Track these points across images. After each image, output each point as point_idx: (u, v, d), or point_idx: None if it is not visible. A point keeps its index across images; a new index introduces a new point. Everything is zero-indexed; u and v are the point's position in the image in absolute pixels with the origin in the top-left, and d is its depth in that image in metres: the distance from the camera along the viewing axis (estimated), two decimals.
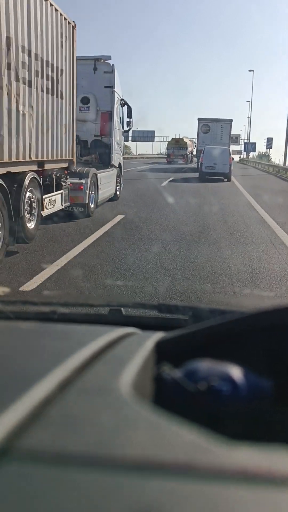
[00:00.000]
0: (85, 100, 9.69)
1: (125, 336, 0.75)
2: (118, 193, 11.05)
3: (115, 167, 10.58)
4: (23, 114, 5.32)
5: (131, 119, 11.76)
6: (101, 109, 9.87)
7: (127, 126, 11.92)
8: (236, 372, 0.65)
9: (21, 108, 5.23)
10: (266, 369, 0.70)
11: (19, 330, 0.83)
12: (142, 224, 7.75)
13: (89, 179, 8.12)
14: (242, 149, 68.97)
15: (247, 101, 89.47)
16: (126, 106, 11.31)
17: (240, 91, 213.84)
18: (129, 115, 11.58)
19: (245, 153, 65.76)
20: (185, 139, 40.97)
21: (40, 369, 0.57)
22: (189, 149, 39.98)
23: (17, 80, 5.13)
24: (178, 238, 6.63)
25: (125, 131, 11.87)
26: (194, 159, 36.50)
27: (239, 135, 68.30)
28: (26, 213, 5.56)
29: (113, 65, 9.82)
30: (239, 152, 68.65)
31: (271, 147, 55.92)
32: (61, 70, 6.68)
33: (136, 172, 24.67)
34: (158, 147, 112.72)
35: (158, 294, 4.04)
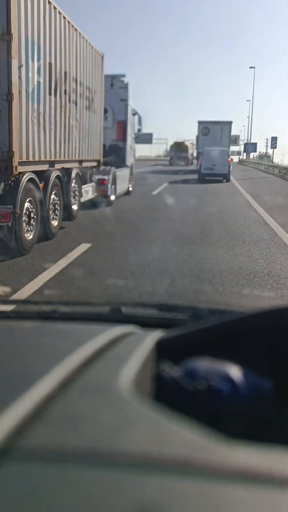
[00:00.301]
0: (104, 111, 11.73)
1: (125, 335, 0.75)
2: (130, 188, 13.09)
3: (128, 167, 12.62)
4: (72, 126, 7.32)
5: (141, 126, 13.84)
6: (117, 119, 11.82)
7: (138, 132, 13.96)
8: (235, 372, 0.65)
9: (71, 121, 7.24)
10: (265, 369, 0.70)
11: (20, 329, 0.84)
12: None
13: (110, 176, 10.09)
14: (242, 149, 65.67)
15: (247, 100, 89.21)
16: (137, 115, 13.36)
17: (240, 91, 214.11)
18: (139, 123, 13.69)
19: (245, 153, 62.97)
20: (186, 143, 43.94)
21: (41, 367, 0.57)
22: (190, 151, 42.70)
23: (69, 101, 7.13)
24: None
25: (136, 137, 13.89)
26: (194, 161, 38.30)
27: (238, 135, 66.81)
28: (72, 198, 7.56)
29: (127, 82, 11.84)
30: (238, 153, 66.64)
31: (275, 147, 51.54)
32: (94, 91, 8.72)
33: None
34: (156, 149, 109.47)
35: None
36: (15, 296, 3.81)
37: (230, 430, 0.55)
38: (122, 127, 11.97)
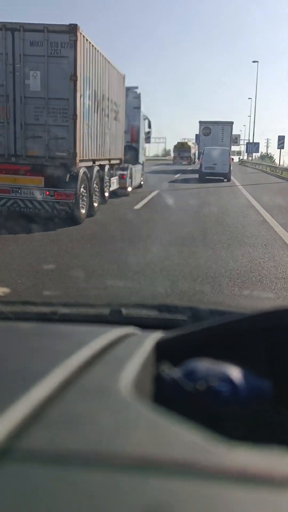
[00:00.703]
0: None
1: (125, 336, 0.75)
2: (142, 182, 15.64)
3: (141, 164, 15.14)
4: (105, 133, 9.81)
5: (150, 129, 16.41)
6: (131, 124, 14.16)
7: (148, 134, 16.46)
8: (235, 373, 0.65)
9: (105, 130, 9.73)
10: (265, 370, 0.70)
11: (19, 330, 0.84)
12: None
13: (128, 171, 12.58)
14: (244, 149, 63.51)
15: (249, 98, 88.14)
16: (147, 120, 15.90)
17: (240, 89, 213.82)
18: (149, 126, 16.22)
19: (246, 154, 61.16)
20: (189, 143, 47.40)
21: (41, 369, 0.57)
22: (193, 151, 45.22)
23: (105, 115, 9.63)
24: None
25: (146, 138, 16.43)
26: (197, 160, 40.73)
27: (239, 135, 65.29)
28: (105, 187, 10.10)
29: (139, 93, 14.29)
30: (239, 153, 65.34)
31: (282, 147, 47.25)
32: (119, 104, 11.21)
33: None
34: (155, 149, 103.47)
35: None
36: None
37: (230, 431, 0.55)
38: (135, 131, 14.32)
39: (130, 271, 4.84)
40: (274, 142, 50.70)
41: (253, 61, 49.20)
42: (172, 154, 48.91)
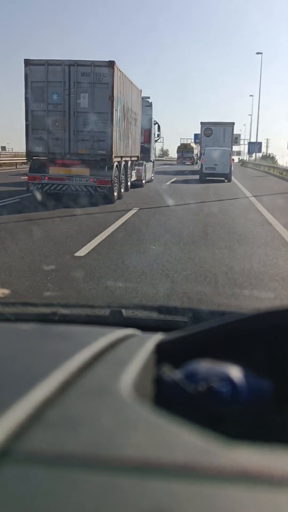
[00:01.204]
0: None
1: (125, 337, 0.75)
2: (153, 177, 18.83)
3: (151, 161, 18.22)
4: (128, 136, 12.86)
5: (160, 132, 19.53)
6: (144, 127, 16.55)
7: (157, 136, 19.55)
8: (236, 373, 0.65)
9: (128, 134, 12.80)
10: (266, 370, 0.70)
11: (19, 331, 0.84)
12: None
13: (143, 166, 15.60)
14: (245, 149, 60.81)
15: (250, 95, 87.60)
16: (157, 124, 18.84)
17: (240, 88, 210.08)
18: (159, 129, 19.21)
19: (247, 154, 58.92)
20: (191, 144, 49.97)
21: (41, 370, 0.57)
22: (195, 152, 47.34)
23: (128, 123, 12.67)
24: None
25: (156, 140, 19.53)
26: (199, 161, 41.81)
27: (239, 134, 63.51)
28: (128, 178, 13.16)
29: (151, 102, 17.13)
30: (238, 153, 63.93)
31: None
32: (137, 113, 14.32)
33: None
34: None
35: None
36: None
37: (230, 432, 0.55)
38: (147, 134, 17.21)
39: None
40: (274, 142, 50.18)
41: (257, 53, 47.26)
42: (169, 153, 51.37)
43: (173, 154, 48.43)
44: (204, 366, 0.66)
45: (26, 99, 10.53)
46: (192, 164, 44.93)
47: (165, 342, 0.75)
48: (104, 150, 10.55)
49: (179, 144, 50.52)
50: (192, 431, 0.47)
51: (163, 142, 68.93)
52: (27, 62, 10.42)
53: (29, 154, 10.89)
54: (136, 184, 15.09)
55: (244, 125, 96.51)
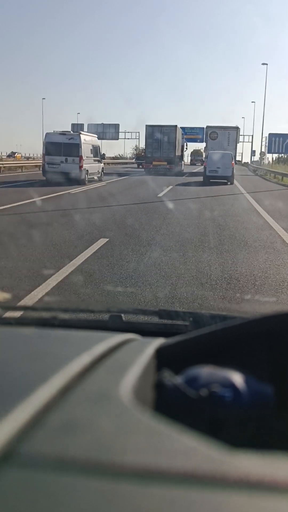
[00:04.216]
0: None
1: (126, 342, 0.75)
2: (183, 170, 36.88)
3: (183, 161, 38.67)
4: (179, 149, 37.48)
5: (186, 147, 43.03)
6: (181, 144, 36.53)
7: (184, 151, 40.55)
8: (237, 378, 0.65)
9: (179, 148, 37.94)
10: (267, 374, 0.70)
11: (19, 336, 0.83)
12: None
13: (182, 162, 37.79)
14: (265, 143, 48.46)
15: (252, 102, 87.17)
16: (185, 143, 40.06)
17: (240, 92, 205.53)
18: (186, 145, 41.47)
19: (259, 155, 50.79)
20: (201, 150, 63.12)
21: (41, 375, 0.57)
22: (204, 155, 55.32)
23: (179, 145, 38.28)
24: None
25: (184, 151, 40.24)
26: None
27: (238, 128, 56.35)
28: (182, 167, 39.28)
29: (180, 128, 35.94)
30: (253, 153, 60.41)
31: None
32: (179, 139, 34.07)
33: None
34: (135, 146, 76.25)
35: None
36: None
37: (232, 437, 0.55)
38: (181, 148, 35.40)
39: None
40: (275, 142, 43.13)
41: (262, 63, 50.29)
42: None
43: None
44: (205, 371, 0.66)
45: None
46: (201, 165, 53.73)
47: (166, 347, 0.75)
48: (171, 156, 31.37)
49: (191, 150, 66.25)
50: (193, 437, 0.46)
51: (139, 138, 75.22)
52: (148, 126, 32.79)
53: (147, 158, 32.11)
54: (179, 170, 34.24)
55: (243, 117, 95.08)
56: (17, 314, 1.28)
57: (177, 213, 9.85)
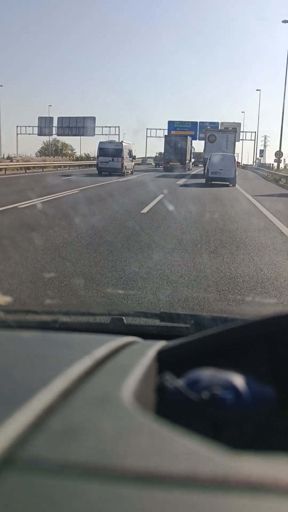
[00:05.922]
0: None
1: (127, 345, 0.75)
2: (191, 168, 44.08)
3: (191, 161, 47.71)
4: (189, 154, 49.48)
5: (194, 152, 52.50)
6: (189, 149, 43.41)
7: (192, 155, 50.30)
8: (238, 381, 0.65)
9: (190, 154, 50.79)
10: (269, 376, 0.70)
11: (21, 339, 0.83)
12: None
13: (191, 163, 46.85)
14: (251, 149, 50.21)
15: (257, 90, 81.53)
16: (193, 148, 50.15)
17: (238, 92, 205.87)
18: (193, 150, 51.87)
19: (261, 157, 50.02)
20: (203, 152, 67.21)
21: (42, 378, 0.57)
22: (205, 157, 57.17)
23: (189, 150, 51.52)
24: None
25: (191, 155, 48.53)
26: None
27: (239, 124, 61.07)
28: (190, 166, 45.14)
29: (191, 139, 45.44)
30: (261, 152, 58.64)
31: None
32: (189, 146, 43.14)
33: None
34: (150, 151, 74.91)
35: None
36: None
37: (233, 439, 0.55)
38: (190, 152, 44.22)
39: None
40: (273, 141, 41.50)
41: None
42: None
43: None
44: (206, 373, 0.66)
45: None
46: (203, 166, 55.29)
47: (167, 350, 0.74)
48: (183, 158, 39.30)
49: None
50: (195, 440, 0.46)
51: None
52: (166, 136, 44.40)
53: (165, 159, 39.67)
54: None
55: (242, 112, 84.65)
56: (19, 317, 1.28)
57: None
